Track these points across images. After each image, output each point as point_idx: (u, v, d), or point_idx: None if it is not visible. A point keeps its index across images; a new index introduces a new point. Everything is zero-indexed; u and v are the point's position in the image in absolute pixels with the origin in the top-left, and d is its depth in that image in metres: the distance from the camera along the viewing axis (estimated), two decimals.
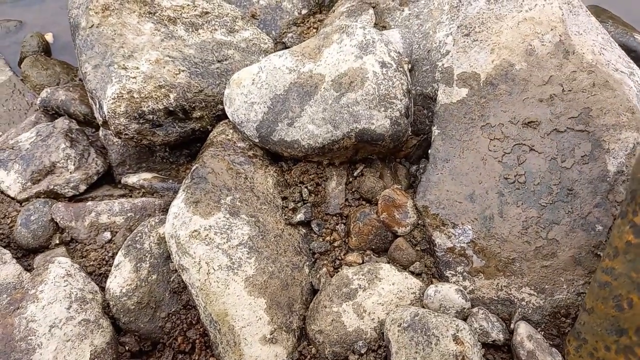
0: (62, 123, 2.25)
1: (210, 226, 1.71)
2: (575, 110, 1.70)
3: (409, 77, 1.91)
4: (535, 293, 1.66)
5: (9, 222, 2.05)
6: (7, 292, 1.72)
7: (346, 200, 1.94)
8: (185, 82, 2.03)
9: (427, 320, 1.53)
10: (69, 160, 2.16)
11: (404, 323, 1.54)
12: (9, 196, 2.13)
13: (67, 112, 2.41)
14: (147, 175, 2.18)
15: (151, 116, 1.95)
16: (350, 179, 1.97)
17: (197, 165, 1.86)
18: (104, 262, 1.94)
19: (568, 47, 1.76)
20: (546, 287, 1.65)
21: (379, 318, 1.65)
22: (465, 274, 1.73)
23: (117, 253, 1.87)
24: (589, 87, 1.70)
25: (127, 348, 1.77)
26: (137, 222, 2.01)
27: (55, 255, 1.92)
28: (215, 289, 1.64)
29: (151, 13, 2.19)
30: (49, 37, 3.07)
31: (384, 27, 2.34)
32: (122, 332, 1.80)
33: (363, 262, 1.80)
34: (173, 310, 1.81)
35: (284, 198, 1.93)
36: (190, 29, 2.25)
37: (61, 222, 2.01)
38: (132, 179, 2.16)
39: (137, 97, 1.92)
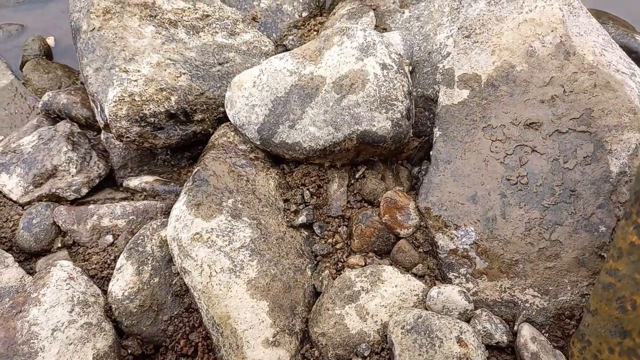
0: (63, 126, 2.25)
1: (212, 229, 1.71)
2: (577, 111, 1.70)
3: (409, 79, 1.91)
4: (539, 295, 1.66)
5: (11, 225, 2.05)
6: (9, 295, 1.72)
7: (348, 202, 1.93)
8: (187, 85, 2.04)
9: (430, 323, 1.52)
10: (70, 164, 2.16)
11: (407, 325, 1.53)
12: (11, 200, 2.13)
13: (68, 116, 2.41)
14: (149, 178, 2.18)
15: (152, 119, 1.96)
16: (352, 181, 1.97)
17: (198, 168, 1.86)
18: (106, 265, 1.93)
19: (569, 48, 1.76)
20: (550, 288, 1.65)
21: (382, 320, 1.64)
22: (468, 275, 1.73)
23: (119, 256, 1.87)
24: (590, 88, 1.70)
25: (129, 351, 1.77)
26: (139, 225, 2.01)
27: (57, 259, 1.92)
28: (217, 292, 1.64)
29: (152, 16, 2.20)
30: (50, 40, 3.07)
31: (385, 29, 2.34)
32: (125, 335, 1.80)
33: (365, 265, 1.80)
34: (175, 313, 1.81)
35: (285, 200, 1.93)
36: (191, 32, 2.25)
37: (63, 225, 2.01)
38: (133, 182, 2.17)
39: (139, 100, 1.92)
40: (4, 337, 1.59)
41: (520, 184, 1.72)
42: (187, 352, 1.76)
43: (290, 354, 1.64)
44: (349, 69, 1.82)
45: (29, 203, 2.11)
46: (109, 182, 2.28)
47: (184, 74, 2.06)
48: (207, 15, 2.34)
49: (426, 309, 1.64)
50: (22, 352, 1.57)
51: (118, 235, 2.00)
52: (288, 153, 1.89)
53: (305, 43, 2.35)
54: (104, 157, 2.29)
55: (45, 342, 1.59)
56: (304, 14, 2.71)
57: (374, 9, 2.44)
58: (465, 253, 1.74)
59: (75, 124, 2.34)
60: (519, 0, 1.88)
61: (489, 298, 1.70)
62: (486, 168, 1.77)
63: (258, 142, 1.93)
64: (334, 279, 1.76)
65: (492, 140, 1.78)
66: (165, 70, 2.03)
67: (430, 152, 1.89)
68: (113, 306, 1.77)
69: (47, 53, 3.01)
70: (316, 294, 1.81)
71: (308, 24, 2.67)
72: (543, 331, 1.65)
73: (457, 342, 1.48)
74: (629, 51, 2.40)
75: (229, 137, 1.99)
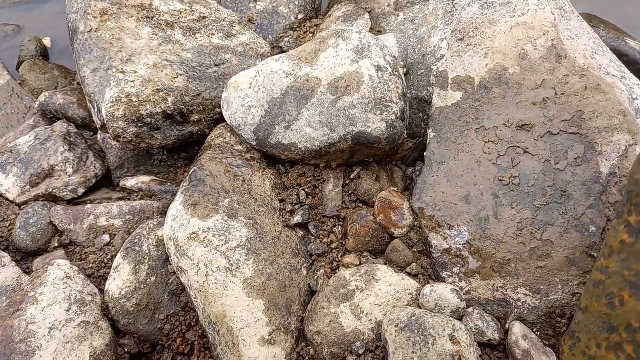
0: (60, 127, 2.26)
1: (208, 228, 1.73)
2: (568, 113, 1.73)
3: (404, 81, 1.93)
4: (530, 293, 1.68)
5: (7, 225, 2.06)
6: (6, 294, 1.73)
7: (343, 202, 1.96)
8: (183, 86, 2.05)
9: (424, 321, 1.55)
10: (67, 164, 2.17)
11: (401, 323, 1.55)
12: (7, 199, 2.14)
13: (65, 116, 2.42)
14: (146, 179, 2.20)
15: (149, 120, 1.97)
16: (347, 182, 1.99)
17: (195, 168, 1.88)
18: (103, 265, 1.95)
19: (560, 52, 1.79)
20: (541, 287, 1.68)
21: (376, 319, 1.66)
22: (461, 275, 1.75)
23: (115, 256, 1.89)
24: (582, 91, 1.73)
25: (126, 350, 1.78)
26: (135, 225, 2.02)
27: (54, 258, 1.93)
28: (214, 291, 1.66)
29: (149, 18, 2.21)
30: (46, 41, 3.08)
31: (380, 32, 2.37)
32: (122, 334, 1.81)
33: (360, 264, 1.82)
34: (172, 312, 1.82)
35: (281, 200, 1.95)
36: (188, 34, 2.27)
37: (60, 225, 2.02)
38: (130, 182, 2.18)
39: (136, 101, 1.94)
40: (2, 336, 1.59)
41: (512, 184, 1.75)
42: (183, 351, 1.77)
43: (285, 352, 1.66)
44: (345, 70, 1.85)
45: (26, 203, 2.12)
46: (105, 182, 2.30)
47: (181, 75, 2.08)
48: (204, 17, 2.36)
49: (420, 308, 1.66)
50: (19, 351, 1.58)
51: (115, 235, 2.01)
52: (284, 154, 1.91)
53: (301, 45, 2.38)
54: (100, 157, 2.30)
55: (42, 341, 1.60)
56: (300, 16, 2.74)
57: (369, 12, 2.46)
58: (459, 252, 1.76)
59: (72, 124, 2.35)
60: (512, 4, 1.91)
61: (482, 297, 1.72)
62: (479, 169, 1.80)
63: (254, 143, 1.95)
64: (329, 278, 1.78)
65: (485, 142, 1.81)
66: (162, 71, 2.05)
67: (424, 153, 1.91)
68: (110, 305, 1.78)
69: (44, 53, 3.01)
70: (311, 293, 1.83)
71: (304, 26, 2.69)
72: (534, 329, 1.67)
73: (450, 340, 1.50)
74: (620, 54, 2.44)
75: (225, 138, 2.01)
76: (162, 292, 1.82)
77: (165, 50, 2.13)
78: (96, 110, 2.04)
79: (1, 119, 2.72)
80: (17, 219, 2.04)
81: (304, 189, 1.95)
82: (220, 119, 2.11)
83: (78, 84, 2.80)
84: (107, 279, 1.84)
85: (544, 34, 1.82)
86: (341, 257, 1.86)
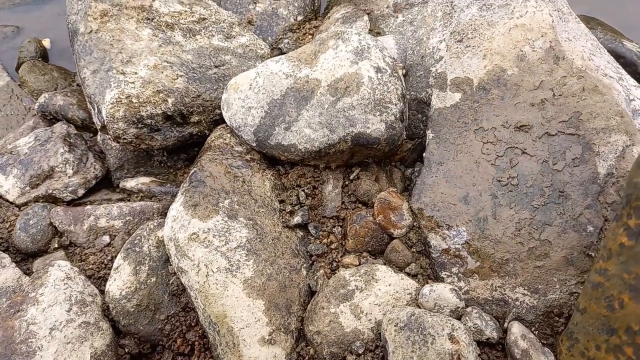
0: (60, 128, 2.27)
1: (208, 229, 1.74)
2: (566, 114, 1.74)
3: (403, 82, 1.94)
4: (528, 293, 1.70)
5: (7, 226, 2.06)
6: (6, 295, 1.73)
7: (342, 203, 1.96)
8: (183, 87, 2.06)
9: (423, 320, 1.56)
10: (67, 165, 2.17)
11: (400, 323, 1.56)
12: (7, 200, 2.14)
13: (65, 117, 2.43)
14: (145, 180, 2.20)
15: (149, 121, 1.98)
16: (347, 182, 2.00)
17: (195, 169, 1.88)
18: (103, 266, 1.95)
19: (558, 53, 1.80)
20: (539, 287, 1.69)
21: (375, 318, 1.67)
22: (460, 274, 1.76)
23: (116, 256, 1.89)
24: (579, 92, 1.74)
25: (126, 350, 1.78)
26: (135, 226, 2.03)
27: (54, 259, 1.93)
28: (214, 291, 1.66)
29: (149, 19, 2.22)
30: (46, 42, 3.08)
31: (379, 34, 2.38)
32: (122, 334, 1.82)
33: (360, 264, 1.83)
34: (172, 312, 1.83)
35: (281, 201, 1.96)
36: (188, 35, 2.28)
37: (60, 226, 2.02)
38: (130, 183, 2.18)
39: (136, 102, 1.94)
40: (2, 337, 1.60)
41: (510, 185, 1.76)
42: (183, 351, 1.78)
43: (285, 352, 1.67)
44: (344, 72, 1.86)
45: (26, 204, 2.13)
46: (105, 183, 2.30)
47: (181, 76, 2.09)
48: (204, 19, 2.36)
49: (419, 307, 1.67)
50: (20, 351, 1.58)
51: (115, 236, 2.02)
52: (284, 154, 1.92)
53: (300, 46, 2.38)
54: (100, 158, 2.31)
55: (43, 341, 1.61)
56: (299, 18, 2.75)
57: (368, 14, 2.48)
58: (457, 252, 1.77)
59: (71, 125, 2.35)
60: (510, 5, 1.92)
61: (480, 296, 1.73)
62: (477, 169, 1.81)
63: (254, 144, 1.95)
64: (328, 279, 1.79)
65: (484, 143, 1.82)
66: (162, 72, 2.05)
67: (423, 154, 1.92)
68: (110, 306, 1.79)
69: (43, 55, 3.02)
70: (311, 293, 1.84)
71: (303, 27, 2.70)
72: (532, 329, 1.68)
73: (449, 339, 1.51)
74: (617, 56, 2.46)
75: (225, 139, 2.02)
76: (163, 292, 1.83)
77: (165, 52, 2.14)
78: (96, 111, 2.04)
79: (1, 120, 2.72)
80: (17, 220, 2.04)
81: (303, 190, 1.96)
82: (220, 120, 2.12)
83: (78, 85, 2.81)
84: (107, 279, 1.85)
85: (542, 36, 1.83)
86: (341, 257, 1.87)
